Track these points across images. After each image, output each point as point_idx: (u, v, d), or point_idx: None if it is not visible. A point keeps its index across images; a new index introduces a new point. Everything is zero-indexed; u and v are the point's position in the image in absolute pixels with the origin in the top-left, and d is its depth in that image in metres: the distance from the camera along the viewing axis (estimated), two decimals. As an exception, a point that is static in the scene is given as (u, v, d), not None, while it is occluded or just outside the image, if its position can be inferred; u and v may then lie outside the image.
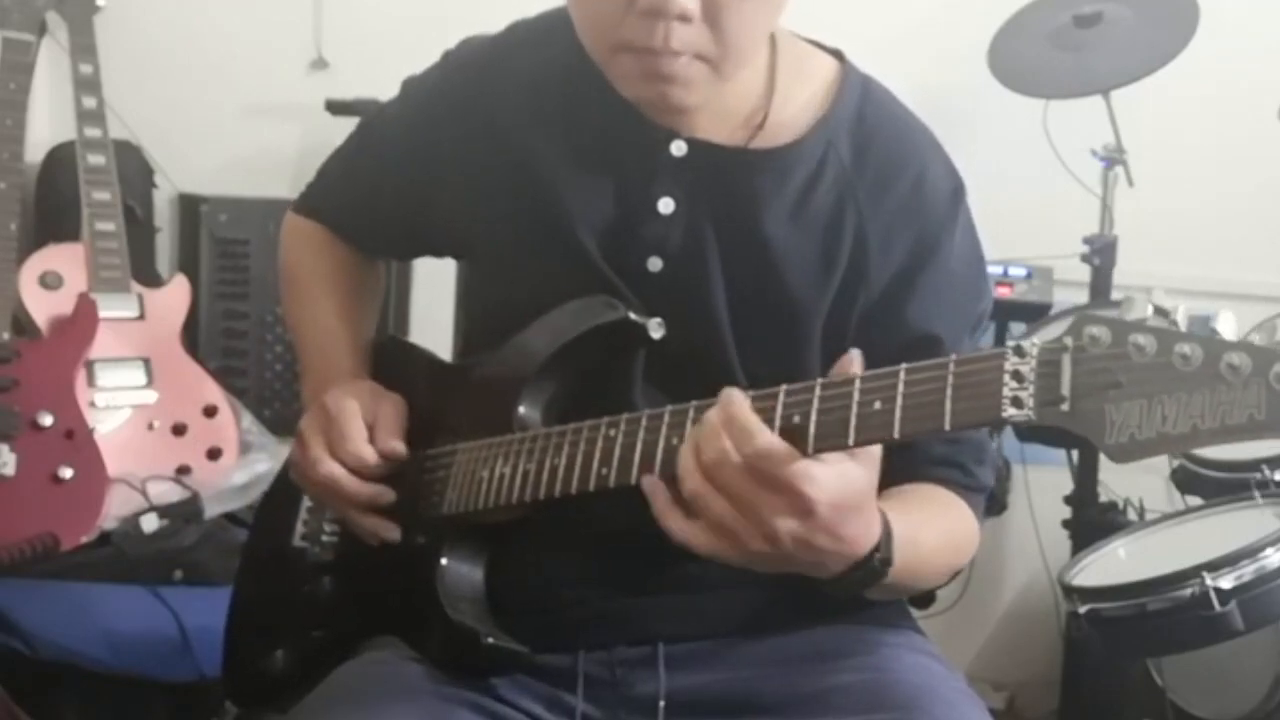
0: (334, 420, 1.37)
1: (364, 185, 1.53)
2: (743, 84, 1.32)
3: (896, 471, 1.18)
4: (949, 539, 1.32)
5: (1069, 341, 0.98)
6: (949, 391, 1.03)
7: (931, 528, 1.27)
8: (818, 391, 1.09)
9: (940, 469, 1.33)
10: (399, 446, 1.36)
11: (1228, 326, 0.95)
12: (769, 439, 1.07)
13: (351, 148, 1.57)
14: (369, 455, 1.36)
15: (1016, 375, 1.00)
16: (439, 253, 1.57)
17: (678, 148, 1.33)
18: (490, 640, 1.30)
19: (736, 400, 1.10)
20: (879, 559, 1.14)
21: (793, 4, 1.28)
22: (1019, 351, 1.00)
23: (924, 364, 1.05)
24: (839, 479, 1.08)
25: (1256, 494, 2.21)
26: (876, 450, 1.11)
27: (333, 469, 1.36)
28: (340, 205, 1.57)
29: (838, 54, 1.40)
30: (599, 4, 1.24)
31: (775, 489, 1.07)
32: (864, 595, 1.19)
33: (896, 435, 1.05)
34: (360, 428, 1.37)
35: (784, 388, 1.12)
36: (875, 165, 1.34)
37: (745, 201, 1.32)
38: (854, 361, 1.10)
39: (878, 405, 1.06)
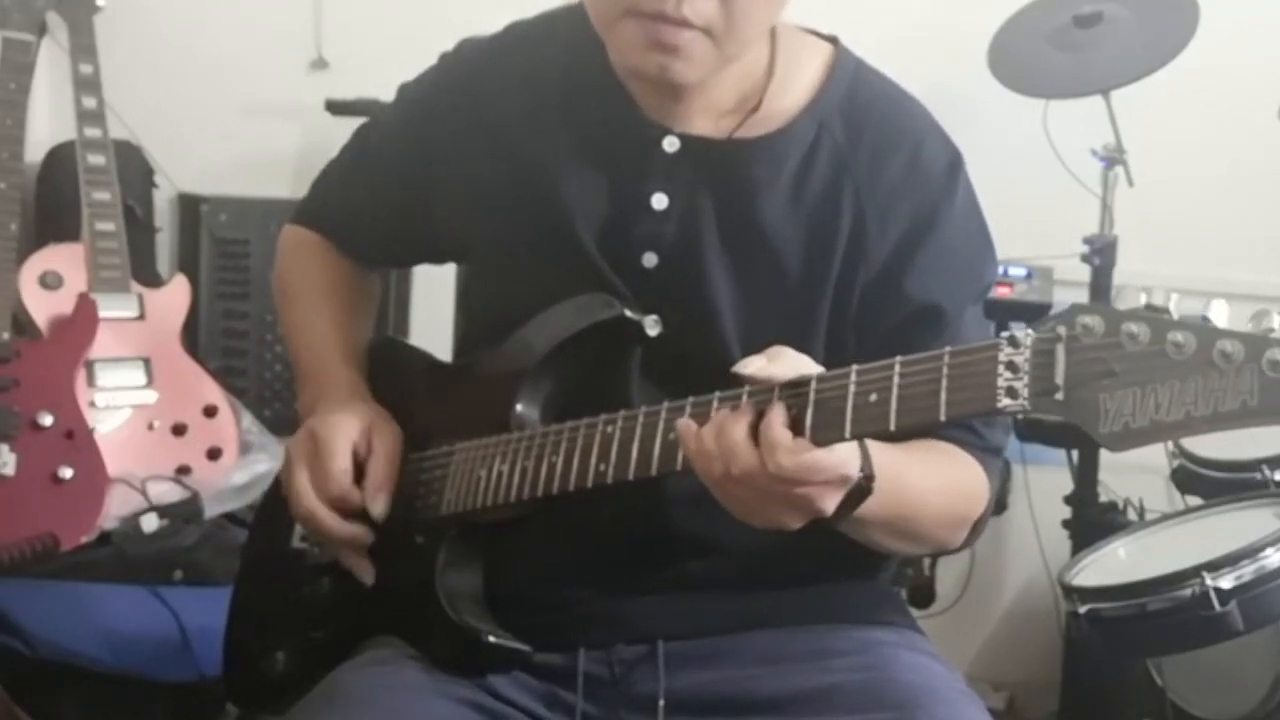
0: (320, 451, 1.37)
1: (361, 192, 1.53)
2: (740, 76, 1.33)
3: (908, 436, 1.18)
4: (945, 481, 1.31)
5: (1062, 331, 0.99)
6: (944, 383, 1.04)
7: (923, 467, 1.26)
8: (814, 384, 1.10)
9: (949, 429, 1.31)
10: (381, 505, 1.35)
11: (1220, 315, 0.95)
12: (793, 460, 1.09)
13: (347, 156, 1.57)
14: (352, 499, 1.36)
15: (1011, 365, 1.01)
16: (438, 258, 1.57)
17: (670, 143, 1.33)
18: (492, 639, 1.30)
19: (774, 424, 1.11)
20: (863, 475, 1.15)
21: (794, 5, 1.28)
22: (1013, 342, 1.01)
23: (919, 356, 1.06)
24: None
25: (1257, 494, 2.21)
26: None
27: (314, 507, 1.36)
28: (337, 213, 1.56)
29: (833, 40, 1.40)
30: None
31: (812, 483, 1.10)
32: (858, 531, 1.22)
33: (892, 427, 1.06)
34: (345, 466, 1.36)
35: (774, 403, 1.12)
36: (870, 141, 1.34)
37: (741, 192, 1.33)
38: (747, 364, 1.13)
39: (873, 398, 1.07)
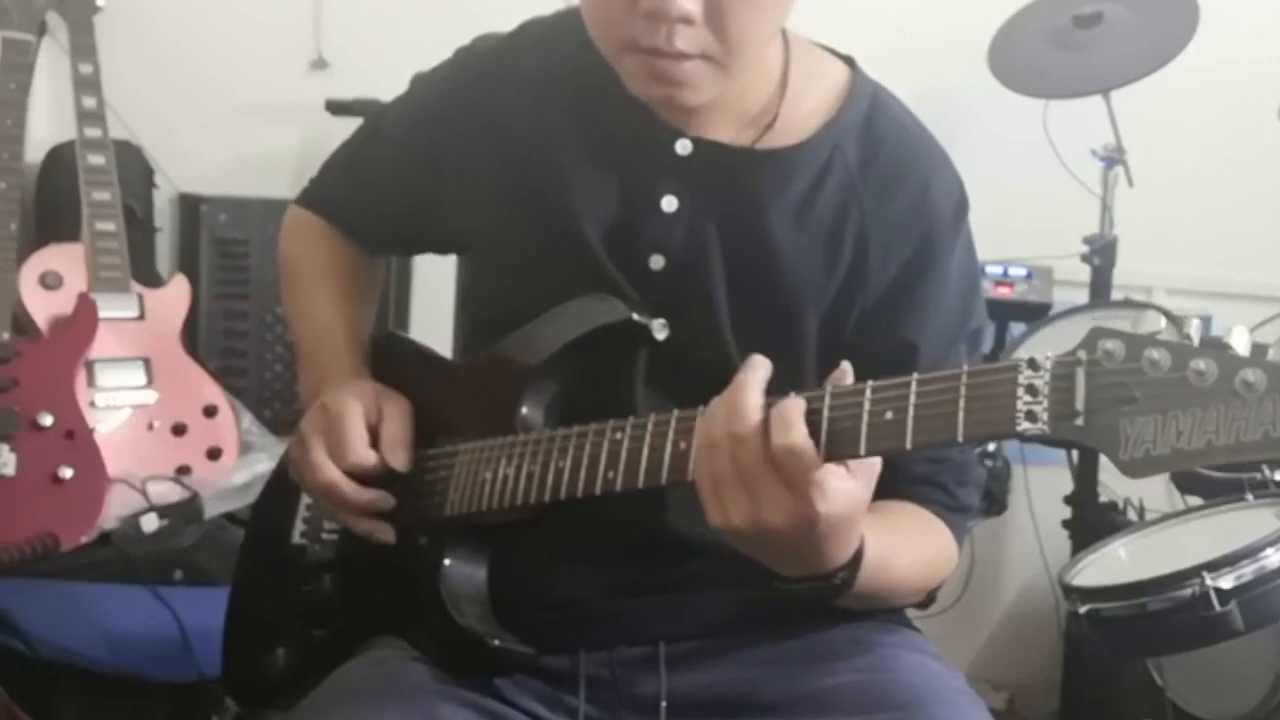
0: (335, 423, 1.36)
1: (367, 179, 1.53)
2: (753, 84, 1.32)
3: (876, 486, 1.16)
4: (924, 563, 1.33)
5: (1083, 355, 0.98)
6: (962, 403, 1.03)
7: (907, 552, 1.28)
8: (827, 400, 1.09)
9: (921, 488, 1.34)
10: (401, 459, 1.36)
11: (1241, 341, 0.94)
12: (803, 437, 1.08)
13: (356, 142, 1.57)
14: (370, 461, 1.35)
15: (1030, 389, 1.00)
16: (441, 249, 1.57)
17: (683, 146, 1.33)
18: (496, 643, 1.29)
19: (791, 402, 1.10)
20: (841, 578, 1.16)
21: (797, 4, 1.28)
22: (1033, 364, 1.00)
23: (936, 375, 1.05)
24: (844, 498, 1.09)
25: (1256, 494, 2.21)
26: (876, 468, 1.12)
27: (333, 476, 1.35)
28: (343, 199, 1.56)
29: (849, 60, 1.40)
30: (606, 3, 1.24)
31: (787, 486, 1.08)
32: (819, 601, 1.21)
33: (909, 446, 1.05)
34: (362, 432, 1.36)
35: (793, 395, 1.11)
36: (880, 172, 1.33)
37: (749, 201, 1.32)
38: (845, 375, 1.11)
39: (889, 415, 1.06)
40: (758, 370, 1.13)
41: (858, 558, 1.17)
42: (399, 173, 1.48)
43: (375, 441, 1.36)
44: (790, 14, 1.29)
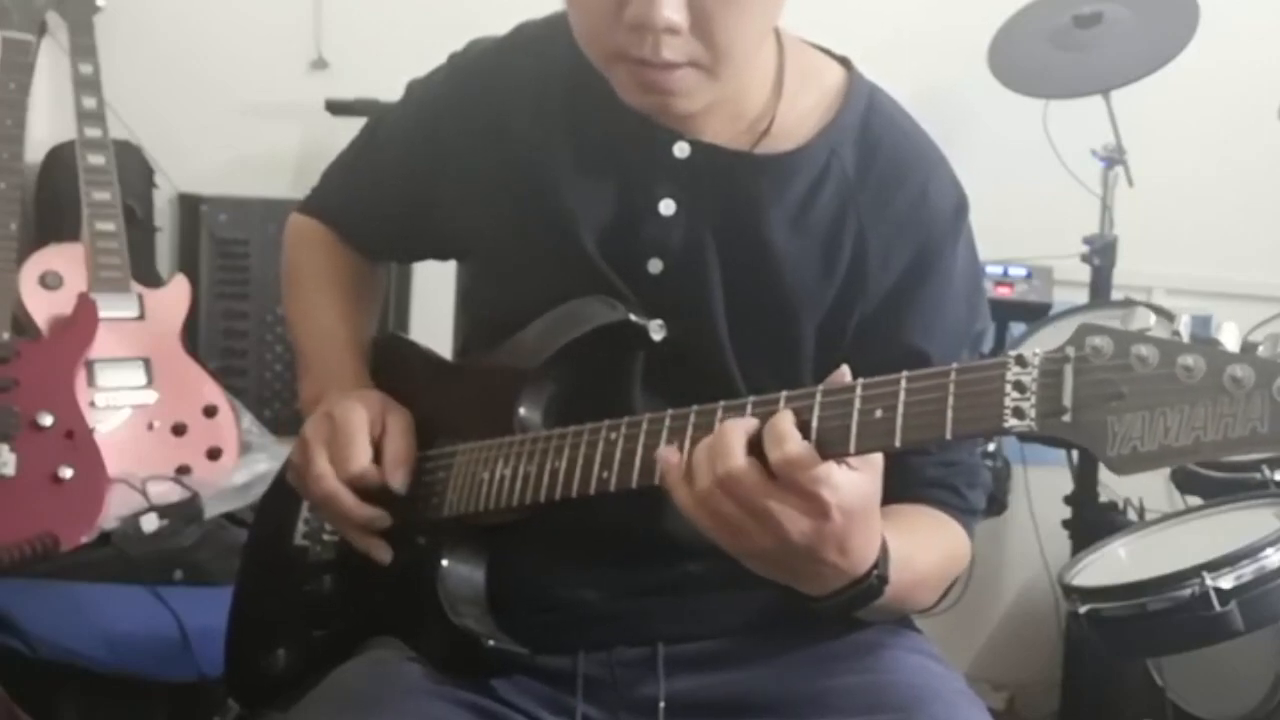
0: (339, 433, 1.36)
1: (367, 186, 1.53)
2: (748, 88, 1.32)
3: (890, 491, 1.17)
4: (942, 562, 1.33)
5: (1071, 352, 0.98)
6: (950, 400, 1.02)
7: (927, 551, 1.28)
8: (819, 398, 1.09)
9: (933, 490, 1.34)
10: (401, 479, 1.35)
11: (1230, 337, 0.94)
12: (799, 444, 1.07)
13: (355, 149, 1.57)
14: (372, 477, 1.35)
15: (1018, 385, 0.99)
16: (441, 255, 1.57)
17: (680, 149, 1.33)
18: (491, 643, 1.29)
19: (779, 417, 1.09)
20: (876, 576, 1.15)
21: (793, 5, 1.28)
22: (1021, 361, 1.00)
23: (925, 372, 1.05)
24: (852, 488, 1.09)
25: (1256, 494, 2.21)
26: (879, 462, 1.11)
27: (335, 488, 1.35)
28: (343, 206, 1.56)
29: (845, 61, 1.40)
30: (591, 15, 1.23)
31: (793, 491, 1.08)
32: (854, 615, 1.20)
33: (898, 444, 1.05)
34: (365, 445, 1.36)
35: (784, 394, 1.11)
36: (878, 176, 1.33)
37: (746, 205, 1.32)
38: (844, 377, 1.11)
39: (879, 414, 1.06)
40: (740, 420, 1.12)
41: (885, 553, 1.16)
42: (400, 173, 1.48)
43: (378, 455, 1.36)
44: (779, 16, 1.28)
